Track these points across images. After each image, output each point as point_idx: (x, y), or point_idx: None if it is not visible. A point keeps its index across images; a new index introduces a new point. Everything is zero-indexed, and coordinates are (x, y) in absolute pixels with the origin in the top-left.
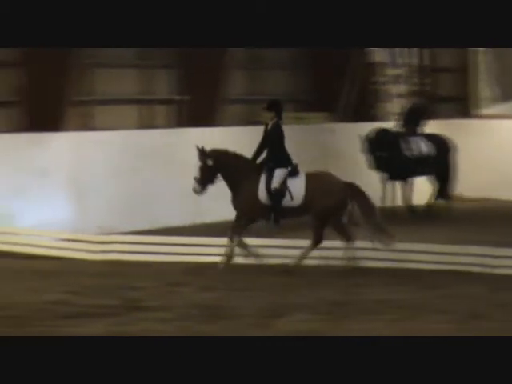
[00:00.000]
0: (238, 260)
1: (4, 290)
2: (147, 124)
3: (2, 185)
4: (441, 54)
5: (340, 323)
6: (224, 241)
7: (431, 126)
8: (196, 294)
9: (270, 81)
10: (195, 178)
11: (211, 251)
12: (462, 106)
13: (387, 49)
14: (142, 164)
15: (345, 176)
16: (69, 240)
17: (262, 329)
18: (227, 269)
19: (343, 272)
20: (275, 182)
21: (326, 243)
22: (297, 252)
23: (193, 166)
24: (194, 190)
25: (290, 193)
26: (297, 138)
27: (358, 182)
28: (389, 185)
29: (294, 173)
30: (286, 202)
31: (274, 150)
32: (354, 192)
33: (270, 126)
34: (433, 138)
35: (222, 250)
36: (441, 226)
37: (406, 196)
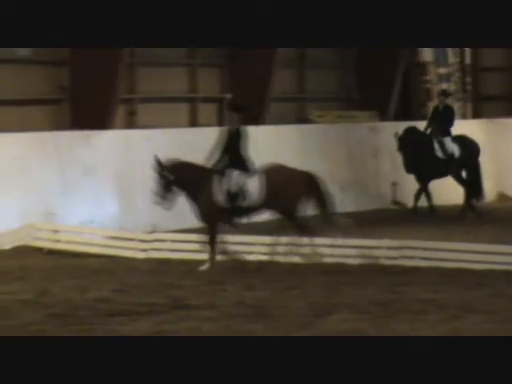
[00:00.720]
0: (280, 259)
1: (50, 288)
2: (195, 122)
3: (50, 182)
4: (486, 53)
5: (383, 323)
6: (266, 239)
7: (476, 125)
8: (240, 293)
9: (317, 79)
10: (154, 192)
11: (254, 250)
12: (508, 104)
13: (435, 48)
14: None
15: (391, 176)
16: (115, 238)
17: (306, 328)
18: (268, 268)
19: (387, 271)
20: (233, 185)
21: (369, 242)
22: (342, 251)
23: None
24: (157, 204)
25: (249, 193)
26: (344, 136)
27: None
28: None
29: (250, 173)
30: (246, 202)
31: (231, 152)
32: (312, 181)
33: (233, 129)
34: (461, 140)
35: (265, 249)
36: (484, 225)
37: (430, 196)
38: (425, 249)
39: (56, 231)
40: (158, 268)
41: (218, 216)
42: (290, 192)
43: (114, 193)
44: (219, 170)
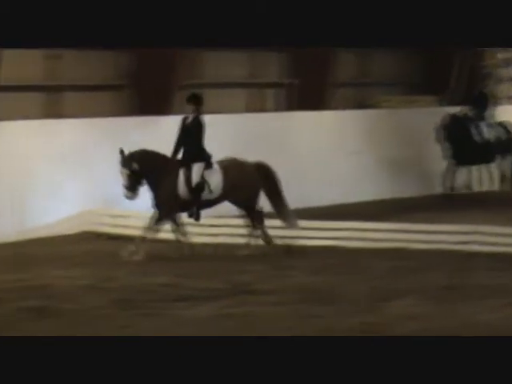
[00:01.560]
0: (342, 243)
1: (113, 273)
2: (256, 107)
3: (111, 168)
4: None
5: (446, 307)
6: (327, 224)
7: None
8: (304, 278)
9: (379, 64)
10: (124, 185)
11: (315, 235)
12: None
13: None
14: (251, 147)
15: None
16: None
17: (370, 313)
18: (331, 252)
19: (450, 256)
20: (195, 177)
21: (433, 227)
22: (406, 236)
23: (300, 151)
24: (127, 197)
25: (208, 186)
26: (406, 121)
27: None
28: (473, 170)
29: (209, 165)
30: (205, 194)
31: (192, 144)
32: (266, 172)
33: (189, 120)
34: (501, 124)
35: (326, 234)
36: None
37: (467, 182)
38: (494, 234)
39: (117, 216)
40: (222, 253)
41: (180, 208)
42: (248, 185)
43: None
44: (183, 162)
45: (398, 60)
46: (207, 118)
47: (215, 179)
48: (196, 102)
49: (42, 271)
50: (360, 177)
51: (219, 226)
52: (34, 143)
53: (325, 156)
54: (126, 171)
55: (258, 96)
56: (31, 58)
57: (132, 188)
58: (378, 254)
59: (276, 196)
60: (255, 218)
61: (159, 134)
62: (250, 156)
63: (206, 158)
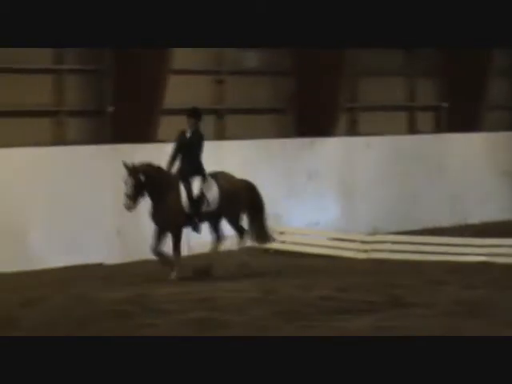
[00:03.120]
0: (499, 260)
1: (276, 286)
2: (413, 130)
3: (274, 186)
4: None
5: None
6: (483, 241)
7: None
8: (458, 292)
9: None
10: (127, 195)
11: (470, 251)
12: None
13: None
14: (408, 168)
15: None
16: (337, 239)
17: None
18: (485, 268)
19: None
20: (196, 190)
21: None
22: None
23: (456, 171)
24: (127, 207)
25: (207, 199)
26: None
27: None
28: None
29: (205, 179)
30: (204, 207)
31: (191, 157)
32: (250, 189)
33: (189, 134)
34: None
35: (481, 250)
36: None
37: None
38: None
39: (281, 233)
40: (378, 268)
41: (184, 222)
42: (238, 200)
43: (337, 197)
44: (184, 176)
45: None
46: (366, 140)
47: (212, 193)
48: (197, 116)
49: (208, 284)
50: None
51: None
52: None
53: (479, 175)
54: (133, 181)
55: (415, 118)
56: (200, 83)
57: (134, 198)
58: None
59: (258, 214)
60: (239, 232)
61: (324, 154)
62: (406, 175)
63: (203, 173)
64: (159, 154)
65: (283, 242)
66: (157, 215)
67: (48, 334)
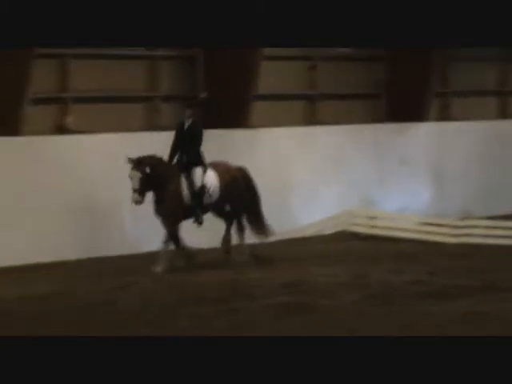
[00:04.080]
0: None
1: (368, 271)
2: (502, 114)
3: (367, 172)
4: None
5: None
6: None
7: None
8: None
9: None
10: (134, 189)
11: None
12: None
13: None
14: (499, 152)
15: None
16: (428, 224)
17: None
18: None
19: None
20: (197, 182)
21: None
22: None
23: None
24: (135, 201)
25: (208, 190)
26: None
27: None
28: None
29: (205, 170)
30: (206, 198)
31: (190, 148)
32: (245, 178)
33: (186, 125)
34: None
35: None
36: None
37: None
38: None
39: (373, 217)
40: (469, 252)
41: (184, 214)
42: (238, 191)
43: (428, 181)
44: (183, 167)
45: None
46: (457, 125)
47: (213, 183)
48: (194, 107)
49: (301, 268)
50: None
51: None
52: (294, 148)
53: None
54: (139, 174)
55: (507, 104)
56: (292, 68)
57: (142, 192)
58: None
59: (254, 205)
60: (238, 224)
61: (415, 139)
62: (498, 160)
63: (203, 163)
64: (253, 139)
65: (374, 227)
66: (157, 207)
67: (141, 317)
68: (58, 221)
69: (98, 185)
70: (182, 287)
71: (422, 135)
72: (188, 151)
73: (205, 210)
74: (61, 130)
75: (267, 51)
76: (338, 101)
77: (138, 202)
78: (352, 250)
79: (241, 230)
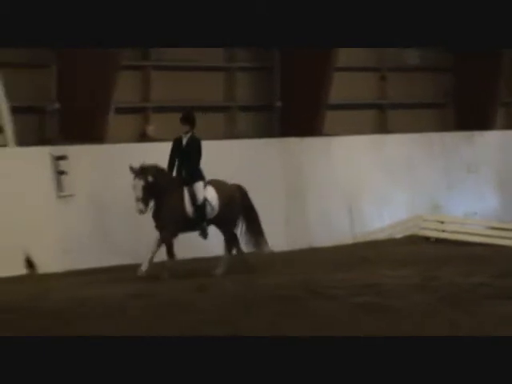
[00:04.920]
0: None
1: (437, 273)
2: None
3: (436, 179)
4: None
5: None
6: None
7: None
8: None
9: None
10: (138, 198)
11: None
12: None
13: None
14: None
15: None
16: (496, 228)
17: None
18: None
19: None
20: (199, 196)
21: None
22: None
23: None
24: (139, 211)
25: (210, 204)
26: None
27: None
28: None
29: (205, 185)
30: (209, 213)
31: (191, 163)
32: (242, 195)
33: (185, 140)
34: None
35: None
36: None
37: None
38: None
39: (442, 222)
40: None
41: (186, 226)
42: (236, 205)
43: (495, 188)
44: (187, 181)
45: None
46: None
47: (213, 198)
48: (191, 122)
49: (373, 270)
50: None
51: None
52: (366, 156)
53: None
54: (142, 183)
55: None
56: (364, 79)
57: (145, 200)
58: None
59: (253, 219)
60: (231, 239)
61: (482, 147)
62: None
63: (203, 178)
64: (327, 147)
65: (443, 231)
66: (156, 217)
67: (219, 318)
68: None
69: None
70: (259, 288)
71: (489, 143)
72: (187, 167)
73: (208, 223)
74: (143, 137)
75: (340, 62)
76: (407, 110)
77: (142, 212)
78: (422, 253)
79: (234, 242)
